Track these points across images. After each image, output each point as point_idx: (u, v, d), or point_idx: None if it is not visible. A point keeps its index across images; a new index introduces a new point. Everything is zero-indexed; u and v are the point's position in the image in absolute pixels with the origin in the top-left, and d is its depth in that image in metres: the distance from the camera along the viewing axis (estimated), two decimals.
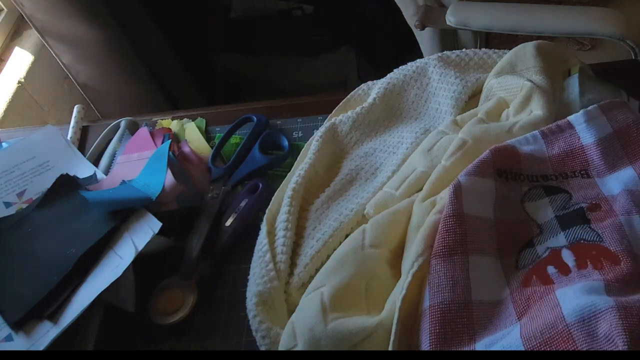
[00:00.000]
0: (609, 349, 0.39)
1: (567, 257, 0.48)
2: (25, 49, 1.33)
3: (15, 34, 1.37)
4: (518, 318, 0.45)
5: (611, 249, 0.47)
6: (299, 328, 0.50)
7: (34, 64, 1.32)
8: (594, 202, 0.52)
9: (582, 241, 0.49)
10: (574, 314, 0.41)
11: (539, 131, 0.58)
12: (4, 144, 0.80)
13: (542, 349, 0.41)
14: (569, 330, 0.41)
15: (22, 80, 1.28)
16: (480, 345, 0.45)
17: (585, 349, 0.39)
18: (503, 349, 0.43)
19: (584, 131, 0.56)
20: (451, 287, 0.48)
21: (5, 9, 1.36)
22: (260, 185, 0.67)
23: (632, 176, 0.53)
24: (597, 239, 0.49)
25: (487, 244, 0.51)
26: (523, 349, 0.42)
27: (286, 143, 0.72)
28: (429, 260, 0.50)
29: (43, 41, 1.30)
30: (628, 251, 0.46)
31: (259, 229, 0.65)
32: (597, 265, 0.46)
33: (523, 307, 0.46)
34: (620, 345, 0.38)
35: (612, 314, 0.40)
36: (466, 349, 0.45)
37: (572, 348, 0.40)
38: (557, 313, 0.42)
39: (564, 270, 0.47)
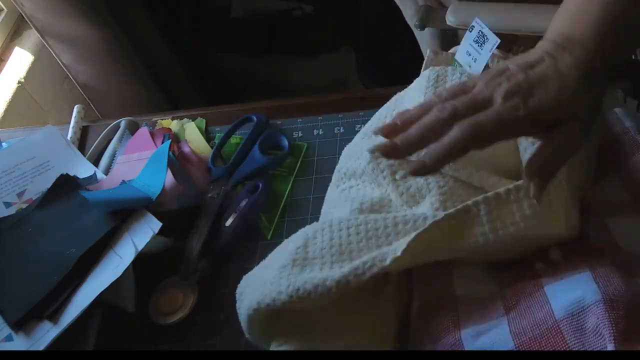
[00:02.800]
0: (597, 342, 0.40)
1: (555, 254, 0.49)
2: (25, 49, 1.33)
3: (15, 34, 1.37)
4: (506, 312, 0.46)
5: (597, 243, 0.49)
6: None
7: (34, 64, 1.32)
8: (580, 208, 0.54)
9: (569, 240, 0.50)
10: (562, 310, 0.42)
11: None
12: (4, 144, 0.80)
13: (532, 344, 0.42)
14: (558, 326, 0.42)
15: (22, 80, 1.28)
16: (466, 333, 0.46)
17: (574, 343, 0.40)
18: (492, 343, 0.44)
19: None
20: (433, 288, 0.50)
21: (5, 9, 1.36)
22: (260, 185, 0.67)
23: (618, 183, 0.55)
24: (583, 237, 0.50)
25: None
26: (513, 344, 0.42)
27: (286, 143, 0.72)
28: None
29: (43, 41, 1.30)
30: (612, 243, 0.48)
31: (258, 229, 0.66)
32: (584, 257, 0.47)
33: (512, 302, 0.47)
34: (607, 337, 0.39)
35: (599, 307, 0.41)
36: (451, 337, 0.46)
37: (562, 343, 0.41)
38: (547, 310, 0.43)
39: (552, 265, 0.49)
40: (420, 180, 0.54)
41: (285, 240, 0.55)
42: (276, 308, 0.48)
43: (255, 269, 0.54)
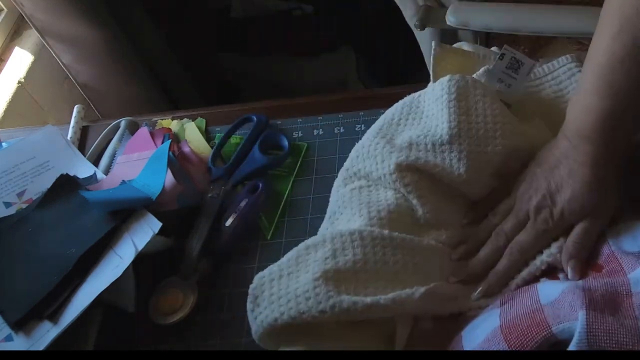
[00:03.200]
0: (571, 314, 0.42)
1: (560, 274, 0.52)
2: (25, 49, 1.33)
3: (15, 34, 1.37)
4: (501, 305, 0.49)
5: (598, 261, 0.51)
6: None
7: (34, 64, 1.32)
8: None
9: None
10: (547, 298, 0.45)
11: None
12: (4, 144, 0.80)
13: (514, 321, 0.45)
14: (542, 308, 0.45)
15: (22, 80, 1.28)
16: (465, 331, 0.48)
17: (551, 317, 0.43)
18: (482, 328, 0.47)
19: None
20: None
21: (5, 9, 1.36)
22: (260, 185, 0.67)
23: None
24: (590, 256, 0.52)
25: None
26: (498, 322, 0.46)
27: (286, 143, 0.72)
28: None
29: (43, 41, 1.30)
30: (608, 254, 0.50)
31: (259, 229, 0.65)
32: (583, 274, 0.50)
33: (507, 299, 0.49)
34: (578, 308, 0.42)
35: (578, 289, 0.44)
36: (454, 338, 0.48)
37: (540, 318, 0.44)
38: (534, 299, 0.46)
39: (552, 278, 0.51)
40: (444, 211, 0.58)
41: (305, 244, 0.54)
42: (315, 322, 0.48)
43: (274, 270, 0.52)
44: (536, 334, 0.43)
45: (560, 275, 0.51)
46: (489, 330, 0.46)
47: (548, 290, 0.47)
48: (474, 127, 0.58)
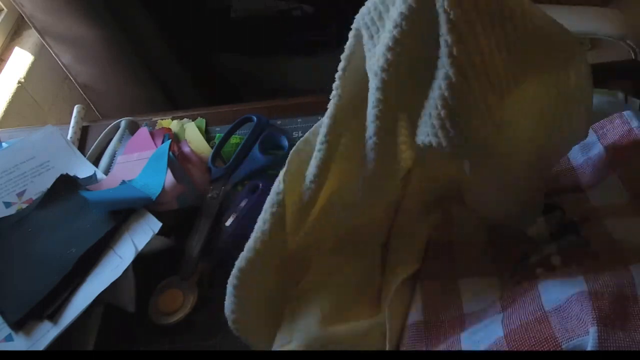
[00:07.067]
0: (580, 327, 0.41)
1: (555, 260, 0.51)
2: (25, 49, 1.33)
3: (15, 34, 1.37)
4: (502, 310, 0.48)
5: (595, 249, 0.50)
6: (297, 331, 0.50)
7: (34, 64, 1.32)
8: (584, 215, 0.54)
9: (570, 248, 0.52)
10: (551, 303, 0.44)
11: None
12: (4, 144, 0.80)
13: (519, 332, 0.43)
14: (546, 316, 0.43)
15: (22, 80, 1.28)
16: (465, 334, 0.47)
17: (558, 329, 0.42)
18: (484, 335, 0.45)
19: (574, 152, 0.59)
20: (442, 308, 0.51)
21: (5, 9, 1.36)
22: (260, 185, 0.67)
23: (616, 182, 0.55)
24: (584, 245, 0.51)
25: (480, 264, 0.54)
26: (502, 333, 0.44)
27: (286, 143, 0.72)
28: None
29: (43, 41, 1.30)
30: (609, 244, 0.49)
31: None
32: (580, 262, 0.49)
33: (508, 302, 0.48)
34: (589, 321, 0.41)
35: (584, 296, 0.43)
36: (451, 339, 0.47)
37: (547, 329, 0.42)
38: (537, 303, 0.45)
39: (550, 269, 0.50)
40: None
41: None
42: None
43: None
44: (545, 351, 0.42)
45: (557, 265, 0.50)
46: (492, 339, 0.45)
47: (551, 292, 0.45)
48: None
